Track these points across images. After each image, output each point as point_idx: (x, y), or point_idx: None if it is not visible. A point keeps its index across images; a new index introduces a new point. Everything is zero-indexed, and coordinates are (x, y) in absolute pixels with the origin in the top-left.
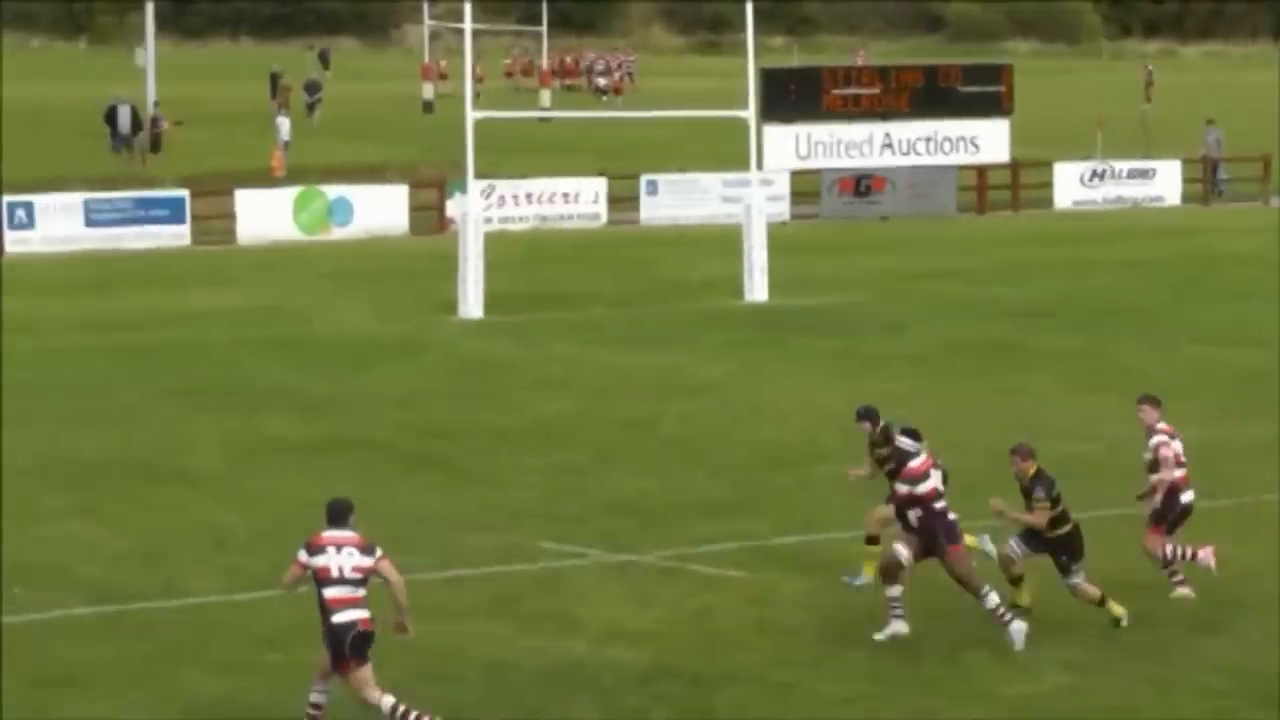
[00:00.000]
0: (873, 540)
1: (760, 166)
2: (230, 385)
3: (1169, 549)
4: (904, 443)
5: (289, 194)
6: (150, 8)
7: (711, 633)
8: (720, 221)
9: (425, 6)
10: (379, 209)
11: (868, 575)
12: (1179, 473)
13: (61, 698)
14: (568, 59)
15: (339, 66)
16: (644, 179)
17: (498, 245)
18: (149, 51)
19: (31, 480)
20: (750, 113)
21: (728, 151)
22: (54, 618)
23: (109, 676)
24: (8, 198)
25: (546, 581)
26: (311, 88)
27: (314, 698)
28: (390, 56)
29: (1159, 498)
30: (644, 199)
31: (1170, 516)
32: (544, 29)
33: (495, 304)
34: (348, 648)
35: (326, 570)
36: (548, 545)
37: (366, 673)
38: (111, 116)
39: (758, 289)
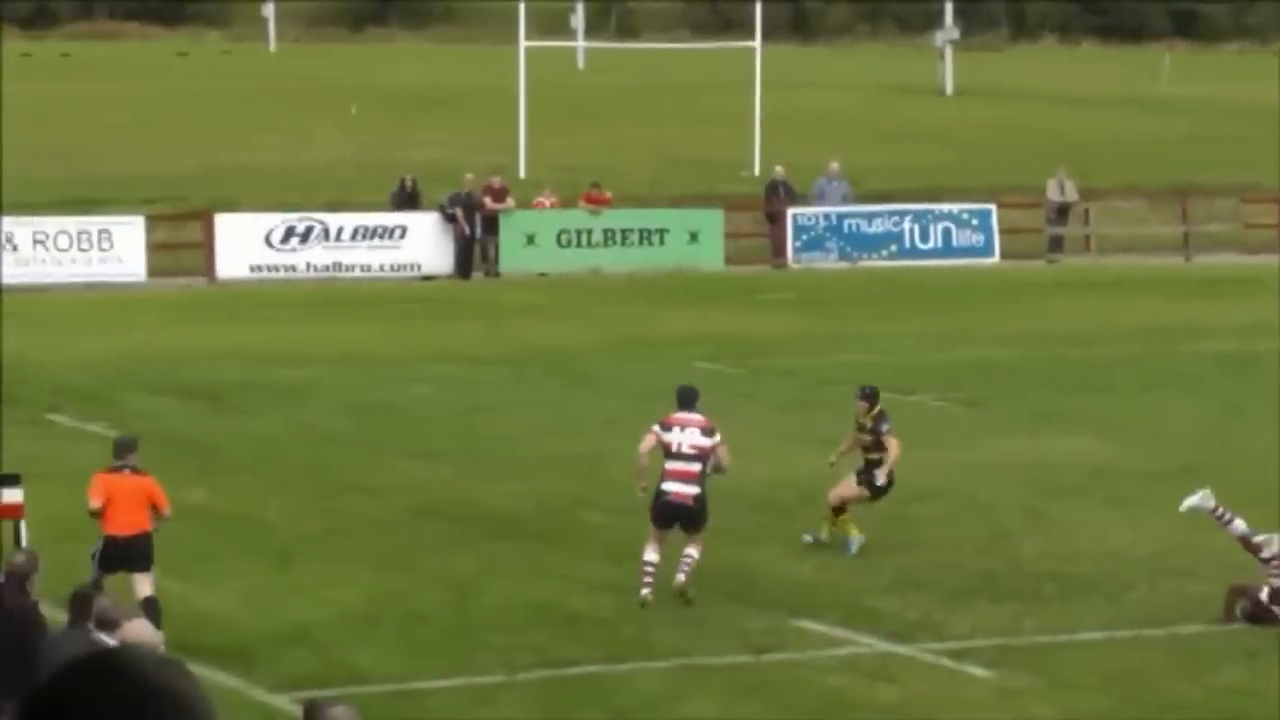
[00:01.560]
0: (840, 510)
1: None
2: None
3: None
4: None
5: None
6: None
7: None
8: None
9: None
10: None
11: (857, 535)
12: None
13: None
14: None
15: None
16: None
17: None
18: None
19: None
20: None
21: None
22: None
23: None
24: None
25: None
26: None
27: (647, 555)
28: None
29: None
30: None
31: None
32: None
33: None
34: (667, 516)
35: (670, 444)
36: None
37: (697, 539)
38: None
39: None
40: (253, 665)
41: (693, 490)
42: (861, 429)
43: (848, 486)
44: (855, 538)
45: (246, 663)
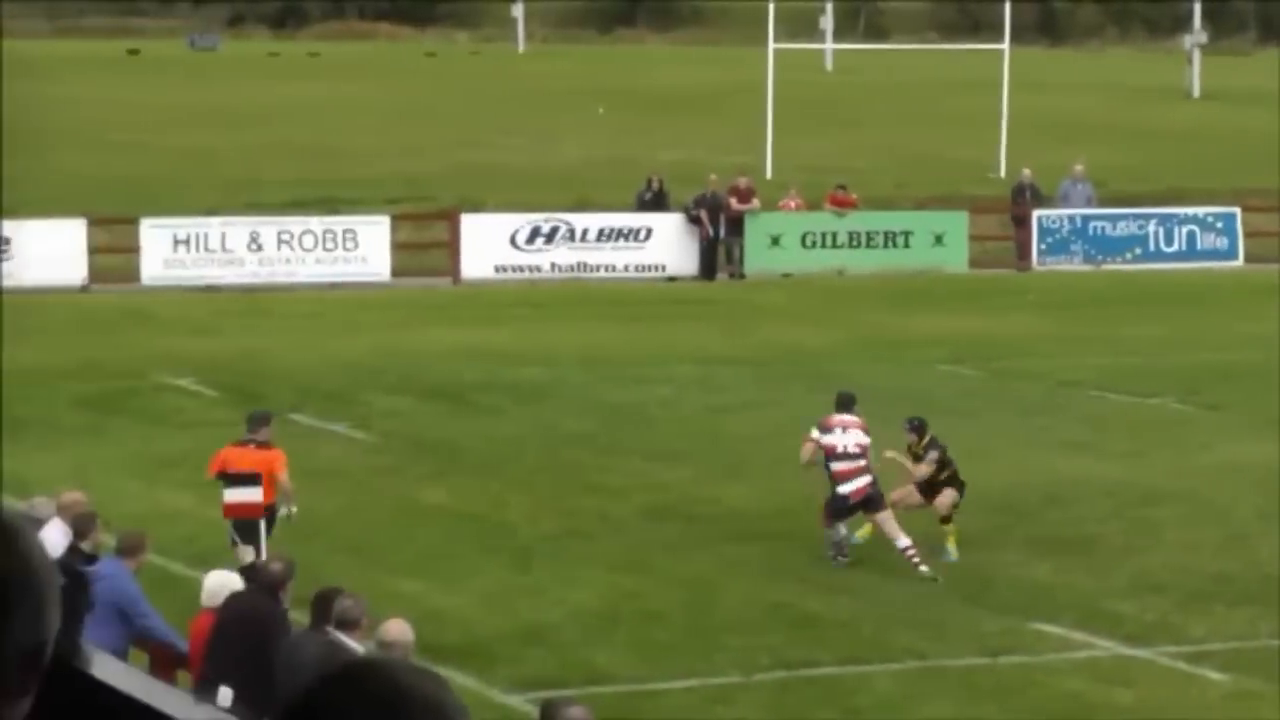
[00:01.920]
0: (946, 520)
1: None
2: None
3: None
4: None
5: None
6: None
7: None
8: None
9: None
10: None
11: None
12: None
13: None
14: None
15: None
16: None
17: None
18: None
19: None
20: None
21: None
22: None
23: None
24: None
25: None
26: None
27: (838, 534)
28: None
29: None
30: None
31: None
32: None
33: None
34: (848, 512)
35: (833, 447)
36: None
37: (883, 517)
38: None
39: None
40: (490, 665)
41: (866, 480)
42: (917, 458)
43: (941, 498)
44: (951, 550)
45: (483, 662)
